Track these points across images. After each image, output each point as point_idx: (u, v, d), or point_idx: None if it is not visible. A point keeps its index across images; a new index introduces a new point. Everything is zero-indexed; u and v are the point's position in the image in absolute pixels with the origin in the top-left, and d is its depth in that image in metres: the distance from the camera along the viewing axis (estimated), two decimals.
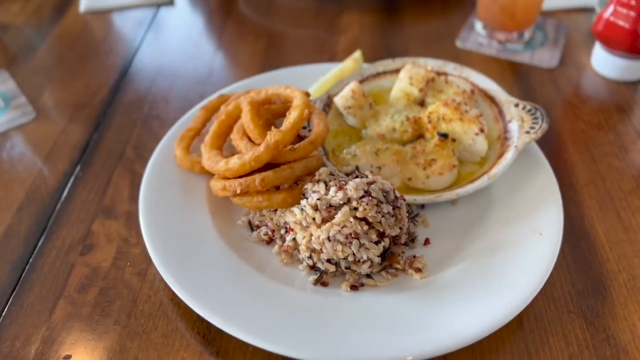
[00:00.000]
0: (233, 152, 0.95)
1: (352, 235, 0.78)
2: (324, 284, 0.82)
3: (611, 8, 1.18)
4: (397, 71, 1.10)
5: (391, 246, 0.82)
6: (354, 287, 0.81)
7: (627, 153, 1.08)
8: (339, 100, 1.03)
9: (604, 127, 1.14)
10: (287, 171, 0.86)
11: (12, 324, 0.81)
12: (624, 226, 0.94)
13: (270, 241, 0.89)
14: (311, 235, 0.80)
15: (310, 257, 0.82)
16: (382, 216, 0.79)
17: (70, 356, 0.77)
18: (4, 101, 1.23)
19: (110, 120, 1.18)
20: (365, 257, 0.79)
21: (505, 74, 1.28)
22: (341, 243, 0.78)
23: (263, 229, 0.89)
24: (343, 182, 0.81)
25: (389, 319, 0.76)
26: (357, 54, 1.16)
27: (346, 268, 0.82)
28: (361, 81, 1.09)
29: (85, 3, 1.56)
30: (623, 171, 1.04)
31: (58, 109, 1.22)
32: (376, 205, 0.79)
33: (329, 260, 0.81)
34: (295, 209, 0.82)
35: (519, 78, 1.27)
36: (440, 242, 0.88)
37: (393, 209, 0.80)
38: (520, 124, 0.97)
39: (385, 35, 1.42)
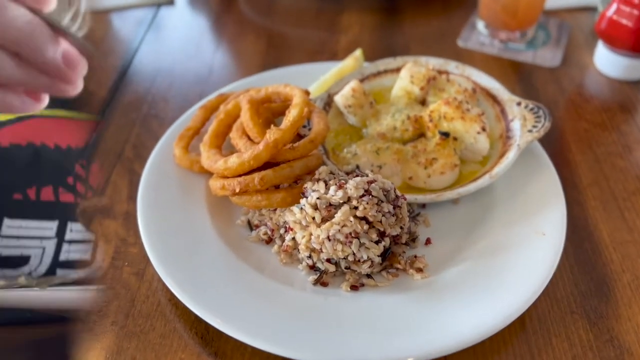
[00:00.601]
0: (232, 151, 0.94)
1: (352, 235, 0.77)
2: (324, 284, 0.81)
3: (614, 6, 1.17)
4: (398, 70, 1.09)
5: (392, 246, 0.81)
6: (354, 287, 0.80)
7: (631, 153, 1.07)
8: (339, 99, 1.03)
9: (608, 126, 1.13)
10: (286, 170, 0.85)
11: None
12: (628, 227, 0.93)
13: (269, 241, 0.88)
14: (311, 234, 0.79)
15: (309, 256, 0.81)
16: (383, 215, 0.78)
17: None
18: None
19: (109, 120, 1.17)
20: (365, 257, 0.78)
21: (507, 74, 1.27)
22: (341, 242, 0.77)
23: (262, 229, 0.88)
24: (343, 181, 0.80)
25: (389, 320, 0.75)
26: (358, 53, 1.16)
27: (346, 268, 0.81)
28: (362, 80, 1.08)
29: (85, 3, 1.55)
30: (627, 171, 1.03)
31: None
32: (377, 204, 0.78)
33: (328, 260, 0.80)
34: (295, 208, 0.81)
35: (521, 77, 1.26)
36: (442, 241, 0.87)
37: (394, 208, 0.80)
38: (523, 123, 0.96)
39: (386, 34, 1.41)
